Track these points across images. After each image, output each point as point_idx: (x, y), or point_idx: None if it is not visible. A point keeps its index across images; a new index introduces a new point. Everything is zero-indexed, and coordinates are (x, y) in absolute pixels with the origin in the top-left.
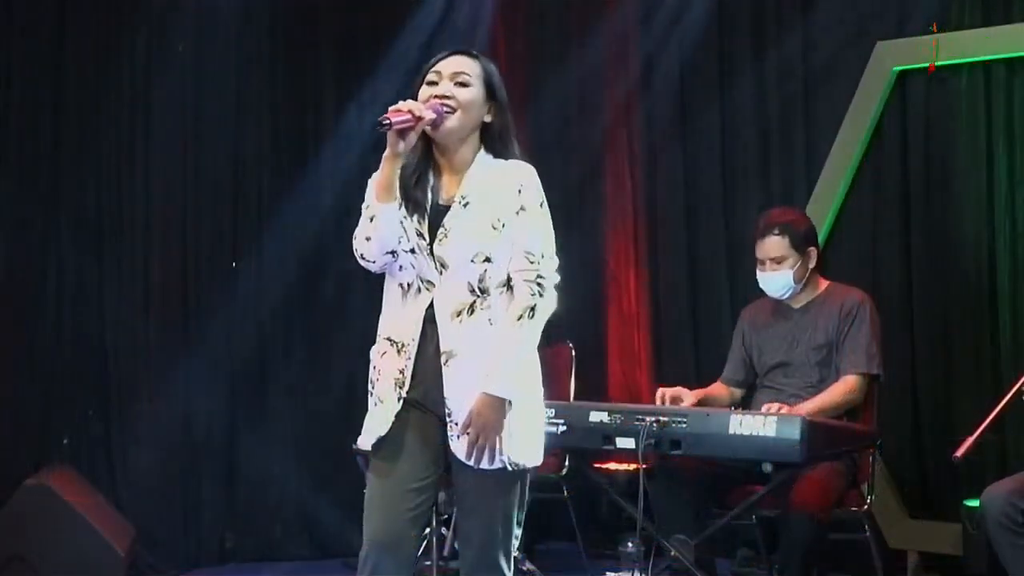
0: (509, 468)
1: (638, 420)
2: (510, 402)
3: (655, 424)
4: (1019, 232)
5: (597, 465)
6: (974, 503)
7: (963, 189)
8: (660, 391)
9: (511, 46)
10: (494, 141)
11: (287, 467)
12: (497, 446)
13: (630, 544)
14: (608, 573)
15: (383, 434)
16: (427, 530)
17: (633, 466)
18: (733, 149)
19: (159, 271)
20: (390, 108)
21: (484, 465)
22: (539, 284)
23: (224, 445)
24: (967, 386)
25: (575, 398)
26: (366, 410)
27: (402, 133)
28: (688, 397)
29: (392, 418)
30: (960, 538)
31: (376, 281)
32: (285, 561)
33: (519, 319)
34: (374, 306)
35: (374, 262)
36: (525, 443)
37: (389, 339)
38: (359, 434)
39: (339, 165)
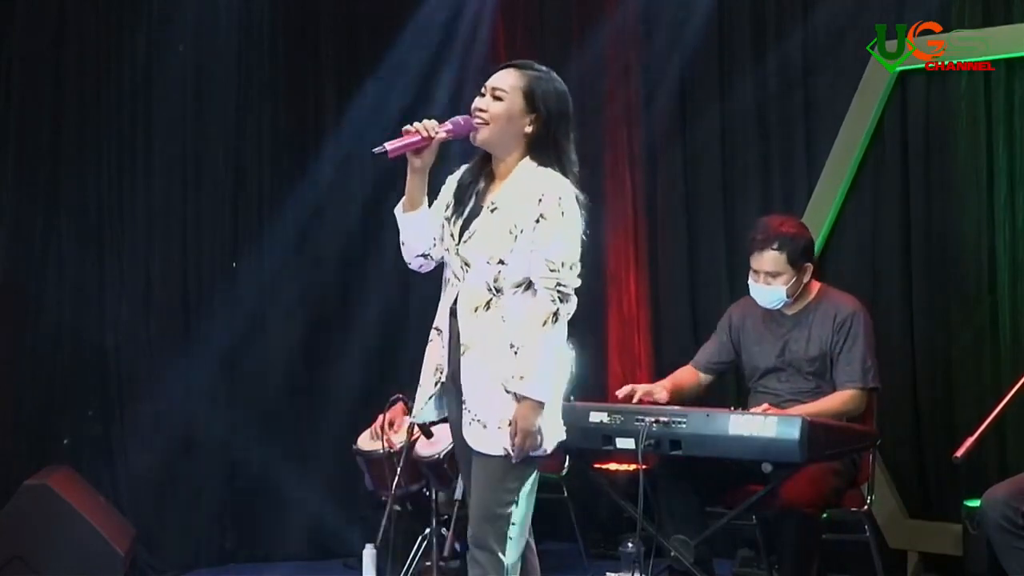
0: (509, 454)
1: (638, 420)
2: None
3: (655, 424)
4: (1019, 232)
5: (597, 465)
6: (974, 503)
7: (963, 189)
8: (629, 390)
9: (511, 46)
10: (539, 151)
11: (287, 467)
12: (538, 445)
13: (630, 544)
14: (608, 573)
15: (416, 415)
16: (427, 530)
17: (633, 466)
18: (733, 149)
19: (159, 271)
20: (403, 128)
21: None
22: (559, 291)
23: (224, 445)
24: (967, 386)
25: (576, 398)
26: (365, 410)
27: (417, 152)
28: (660, 392)
29: (426, 400)
30: (960, 538)
31: (374, 280)
32: (285, 561)
33: (543, 324)
34: (374, 305)
35: (410, 263)
36: None
37: (437, 328)
38: (359, 434)
39: (340, 165)
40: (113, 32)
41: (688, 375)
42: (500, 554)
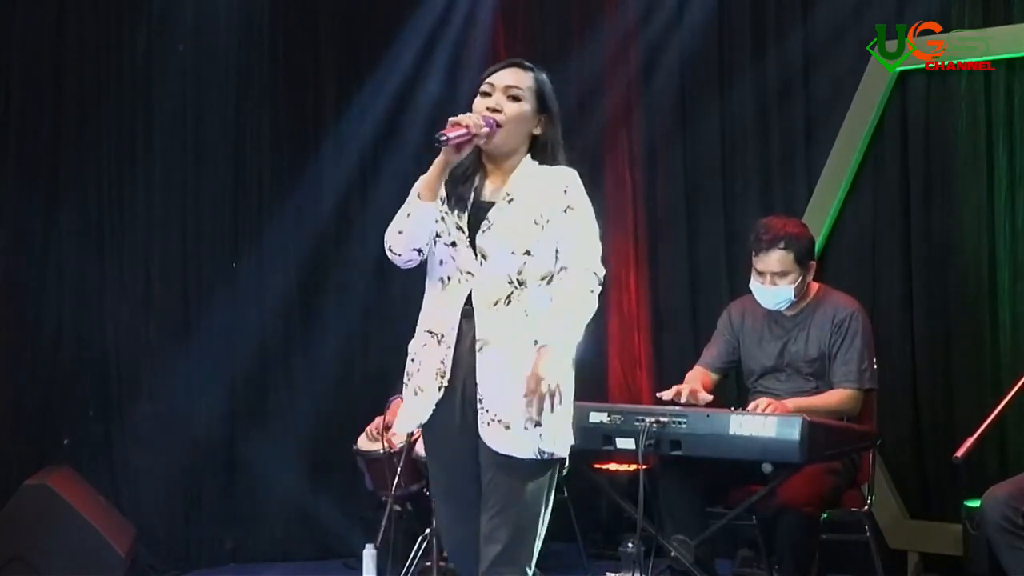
0: (540, 457)
1: (638, 420)
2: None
3: (655, 424)
4: (1019, 232)
5: (597, 466)
6: (974, 503)
7: (963, 189)
8: (675, 392)
9: (511, 46)
10: (541, 152)
11: (287, 467)
12: (556, 396)
13: (630, 544)
14: (608, 573)
15: (424, 421)
16: (427, 530)
17: (633, 466)
18: (733, 149)
19: (159, 271)
20: (450, 120)
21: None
22: (595, 274)
23: (224, 445)
24: (967, 387)
25: (575, 398)
26: (365, 410)
27: (458, 147)
28: (704, 393)
29: (432, 406)
30: (960, 539)
31: (372, 280)
32: (285, 561)
33: (591, 292)
34: (373, 306)
35: (400, 255)
36: (556, 431)
37: (430, 331)
38: (359, 434)
39: (339, 165)
40: (113, 32)
41: (704, 377)
42: (528, 568)
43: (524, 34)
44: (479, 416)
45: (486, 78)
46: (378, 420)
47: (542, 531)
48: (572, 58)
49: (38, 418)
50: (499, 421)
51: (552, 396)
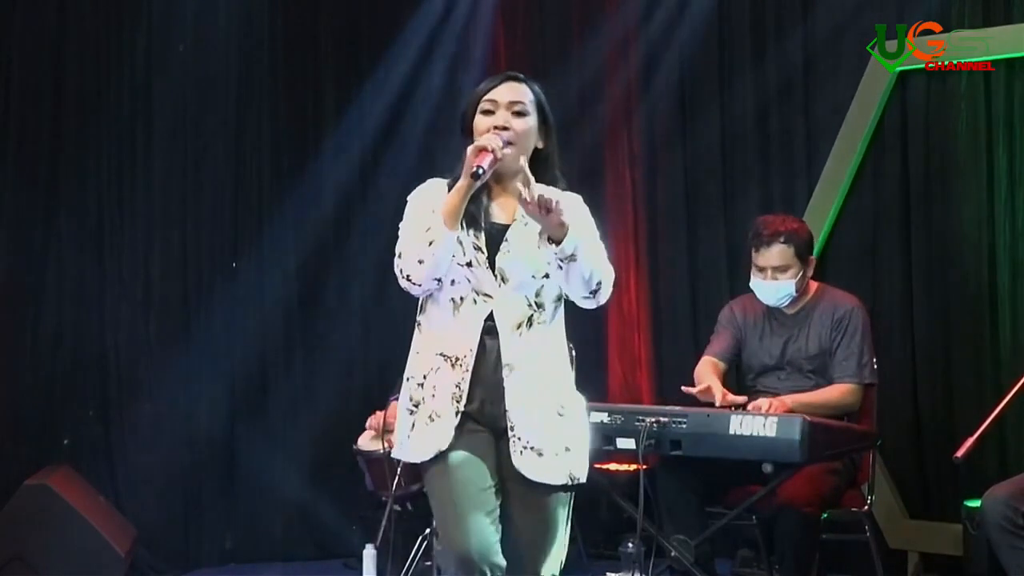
0: (570, 482)
1: (638, 421)
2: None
3: (655, 424)
4: (1019, 232)
5: (597, 465)
6: (974, 503)
7: (963, 189)
8: (705, 389)
9: (511, 46)
10: (542, 164)
11: (287, 467)
12: (554, 203)
13: (630, 544)
14: (608, 573)
15: (444, 448)
16: (427, 530)
17: (633, 466)
18: (733, 149)
19: (159, 271)
20: (474, 149)
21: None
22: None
23: (224, 445)
24: (967, 386)
25: None
26: (365, 411)
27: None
28: (731, 396)
29: (453, 432)
30: (960, 539)
31: (373, 280)
32: (285, 561)
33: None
34: (373, 306)
35: (420, 284)
36: (583, 457)
37: (442, 354)
38: (359, 434)
39: (339, 166)
40: (113, 32)
41: (715, 368)
42: None
43: (524, 34)
44: (511, 444)
45: (484, 95)
46: (378, 415)
47: (564, 551)
48: (572, 58)
49: (38, 418)
50: (532, 448)
51: (547, 198)
